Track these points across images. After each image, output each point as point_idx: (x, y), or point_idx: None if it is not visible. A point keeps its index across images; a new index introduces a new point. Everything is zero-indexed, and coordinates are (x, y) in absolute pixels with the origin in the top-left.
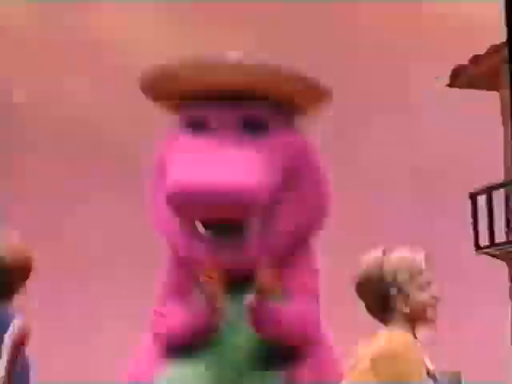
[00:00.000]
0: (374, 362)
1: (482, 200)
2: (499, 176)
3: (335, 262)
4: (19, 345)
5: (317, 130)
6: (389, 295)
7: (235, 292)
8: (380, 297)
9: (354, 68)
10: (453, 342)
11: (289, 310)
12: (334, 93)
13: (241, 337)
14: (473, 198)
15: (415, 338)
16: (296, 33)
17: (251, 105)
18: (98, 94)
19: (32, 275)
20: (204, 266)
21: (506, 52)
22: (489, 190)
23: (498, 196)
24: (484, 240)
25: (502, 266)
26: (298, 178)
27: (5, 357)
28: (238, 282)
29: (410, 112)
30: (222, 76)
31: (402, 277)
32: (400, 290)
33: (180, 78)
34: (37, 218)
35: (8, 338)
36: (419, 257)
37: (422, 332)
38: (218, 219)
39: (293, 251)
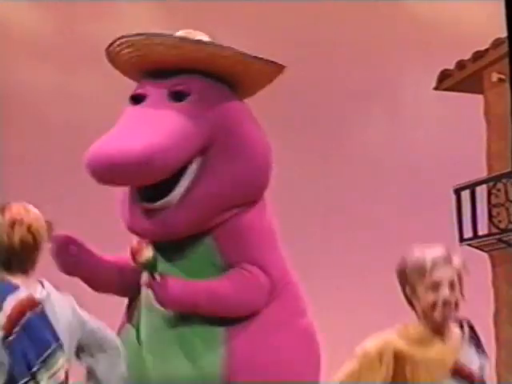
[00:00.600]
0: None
1: (466, 195)
2: (482, 173)
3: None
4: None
5: (313, 130)
6: (407, 294)
7: (167, 256)
8: (405, 295)
9: (348, 70)
10: None
11: (209, 284)
12: (330, 93)
13: None
14: (457, 193)
15: (438, 333)
16: (292, 36)
17: (178, 78)
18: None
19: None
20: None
21: (506, 51)
22: (472, 186)
23: (481, 192)
24: (468, 233)
25: (483, 256)
26: (224, 143)
27: None
28: (171, 246)
29: (400, 112)
30: (155, 54)
31: (411, 277)
32: (413, 291)
33: (121, 55)
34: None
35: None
36: (429, 257)
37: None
38: (144, 186)
39: (222, 216)
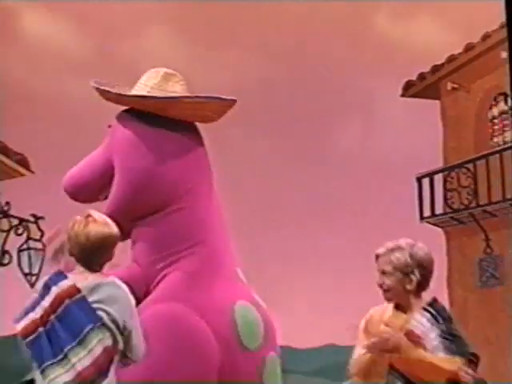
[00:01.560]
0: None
1: (426, 182)
2: (439, 164)
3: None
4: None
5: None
6: None
7: None
8: None
9: (329, 84)
10: None
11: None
12: (314, 103)
13: None
14: (419, 180)
15: (398, 307)
16: (284, 57)
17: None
18: None
19: None
20: None
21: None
22: (431, 175)
23: (438, 179)
24: (427, 212)
25: (439, 232)
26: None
27: None
28: None
29: (372, 116)
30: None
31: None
32: None
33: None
34: None
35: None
36: (383, 247)
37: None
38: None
39: (128, 222)
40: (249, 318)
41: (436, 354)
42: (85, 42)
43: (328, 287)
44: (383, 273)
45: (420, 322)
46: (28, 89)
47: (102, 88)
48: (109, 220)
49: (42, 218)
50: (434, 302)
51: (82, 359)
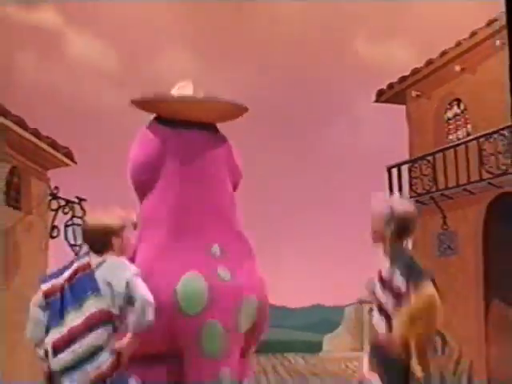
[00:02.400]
0: None
1: (394, 171)
2: (405, 157)
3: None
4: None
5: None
6: None
7: None
8: None
9: (318, 94)
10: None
11: None
12: (304, 110)
13: None
14: (389, 170)
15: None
16: (281, 74)
17: None
18: None
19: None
20: None
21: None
22: (399, 165)
23: (405, 169)
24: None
25: None
26: None
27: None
28: None
29: (352, 119)
30: None
31: None
32: None
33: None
34: None
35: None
36: (378, 198)
37: None
38: None
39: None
40: (191, 287)
41: (401, 290)
42: (116, 59)
43: (317, 257)
44: (373, 218)
45: (387, 268)
46: (72, 97)
47: (133, 99)
48: (116, 214)
49: (84, 199)
50: (395, 248)
51: (76, 319)
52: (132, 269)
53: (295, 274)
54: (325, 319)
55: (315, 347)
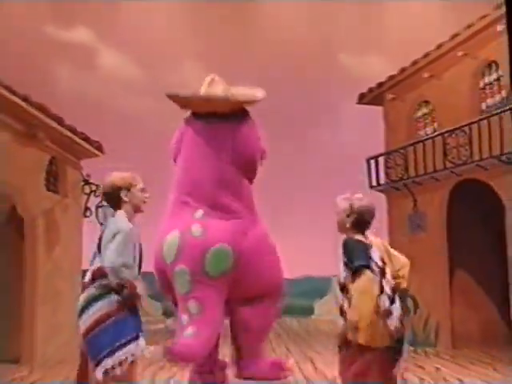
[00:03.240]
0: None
1: (373, 162)
2: (382, 150)
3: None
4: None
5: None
6: None
7: None
8: None
9: (310, 97)
10: None
11: None
12: (298, 111)
13: None
14: (368, 161)
15: None
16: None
17: None
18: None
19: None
20: None
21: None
22: (376, 157)
23: (382, 160)
24: (374, 182)
25: (383, 197)
26: None
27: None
28: None
29: (337, 118)
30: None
31: None
32: None
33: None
34: None
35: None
36: (342, 197)
37: None
38: None
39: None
40: (169, 241)
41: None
42: (140, 69)
43: (307, 233)
44: (337, 213)
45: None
46: (101, 100)
47: (168, 93)
48: (122, 175)
49: None
50: (347, 240)
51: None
52: (120, 227)
53: (288, 249)
54: (315, 288)
55: (308, 311)
